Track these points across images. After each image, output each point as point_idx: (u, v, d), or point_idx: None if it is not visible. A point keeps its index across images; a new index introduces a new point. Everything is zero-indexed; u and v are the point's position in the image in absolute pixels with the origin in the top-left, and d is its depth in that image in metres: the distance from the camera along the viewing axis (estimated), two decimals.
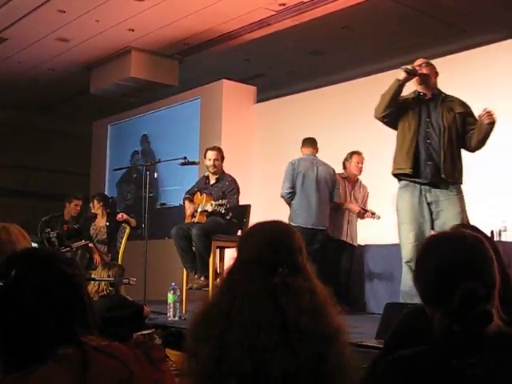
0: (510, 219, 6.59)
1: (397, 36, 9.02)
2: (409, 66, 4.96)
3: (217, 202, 6.42)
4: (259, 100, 10.41)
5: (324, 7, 8.14)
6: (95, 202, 7.84)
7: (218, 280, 6.70)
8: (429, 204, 4.82)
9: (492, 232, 5.79)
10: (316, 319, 1.59)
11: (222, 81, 10.09)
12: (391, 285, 6.42)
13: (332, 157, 7.40)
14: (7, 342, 1.57)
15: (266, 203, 8.18)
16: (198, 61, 10.27)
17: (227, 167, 7.05)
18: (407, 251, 4.74)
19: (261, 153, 9.97)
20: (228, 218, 6.55)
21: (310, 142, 7.33)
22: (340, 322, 1.66)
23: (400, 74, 4.98)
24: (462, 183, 4.93)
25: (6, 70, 10.79)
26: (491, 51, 7.63)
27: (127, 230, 7.65)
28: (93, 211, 7.90)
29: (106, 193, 11.34)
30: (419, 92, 5.10)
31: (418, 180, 4.88)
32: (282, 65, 10.39)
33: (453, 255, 1.67)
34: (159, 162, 7.02)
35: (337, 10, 8.17)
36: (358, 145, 8.01)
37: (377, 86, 8.44)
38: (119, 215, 7.73)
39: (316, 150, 7.30)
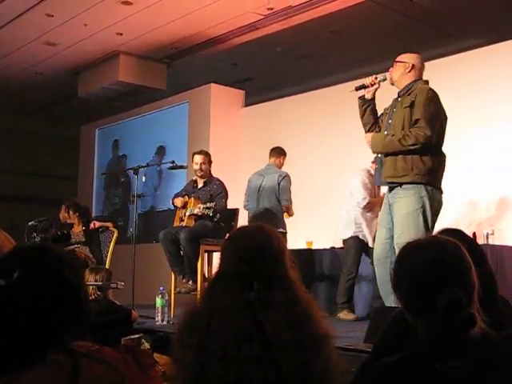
0: (497, 222, 6.62)
1: (384, 40, 9.04)
2: (360, 82, 4.94)
3: (205, 206, 6.42)
4: (247, 104, 10.42)
5: (312, 11, 8.16)
6: (71, 212, 7.70)
7: (205, 285, 6.71)
8: (390, 206, 4.70)
9: (474, 233, 5.78)
10: (297, 330, 1.58)
11: (210, 85, 10.09)
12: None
13: (320, 160, 7.43)
14: (5, 339, 1.57)
15: None
16: (186, 65, 10.27)
17: (215, 171, 7.05)
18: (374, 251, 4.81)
19: (249, 157, 9.98)
20: (216, 220, 6.56)
21: (273, 152, 7.52)
22: (326, 328, 1.66)
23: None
24: (420, 182, 4.51)
25: None
26: (478, 55, 7.68)
27: (115, 234, 7.62)
28: (69, 221, 7.77)
29: (93, 196, 11.31)
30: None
31: None
32: (270, 69, 10.40)
33: (430, 262, 1.68)
34: (147, 165, 7.01)
35: (325, 14, 8.20)
36: (346, 148, 8.04)
37: None
38: (91, 225, 7.64)
39: (279, 158, 7.45)
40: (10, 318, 1.56)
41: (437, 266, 1.67)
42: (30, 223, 7.67)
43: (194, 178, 7.03)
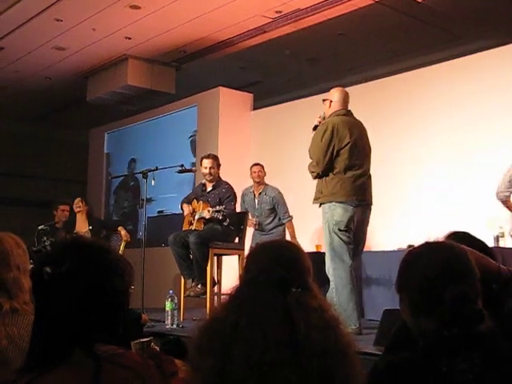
0: (506, 225, 6.59)
1: (393, 43, 9.05)
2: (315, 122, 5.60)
3: (214, 209, 6.42)
4: (256, 107, 10.42)
5: (320, 14, 8.17)
6: (80, 202, 7.76)
7: (215, 288, 6.70)
8: None
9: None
10: (326, 334, 1.60)
11: (218, 88, 10.09)
12: (389, 291, 6.41)
13: None
14: (36, 335, 1.57)
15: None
16: (194, 68, 10.29)
17: (224, 174, 7.05)
18: None
19: (257, 160, 9.95)
20: (225, 224, 6.56)
21: None
22: (350, 339, 1.67)
23: None
24: (328, 200, 5.29)
25: (2, 79, 10.80)
26: (486, 57, 7.65)
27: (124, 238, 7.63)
28: (75, 209, 7.78)
29: (102, 200, 11.32)
30: None
31: None
32: (278, 72, 10.41)
33: (438, 263, 1.73)
34: (156, 169, 7.00)
35: (333, 16, 8.20)
36: None
37: (373, 93, 8.53)
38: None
39: None
40: (46, 309, 1.56)
41: (445, 267, 1.71)
42: (39, 227, 7.70)
43: (203, 182, 7.03)
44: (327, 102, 5.51)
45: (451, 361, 1.57)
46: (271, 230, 7.82)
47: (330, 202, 5.29)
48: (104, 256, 1.66)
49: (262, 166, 7.97)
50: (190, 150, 10.39)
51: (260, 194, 7.90)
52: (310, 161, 5.44)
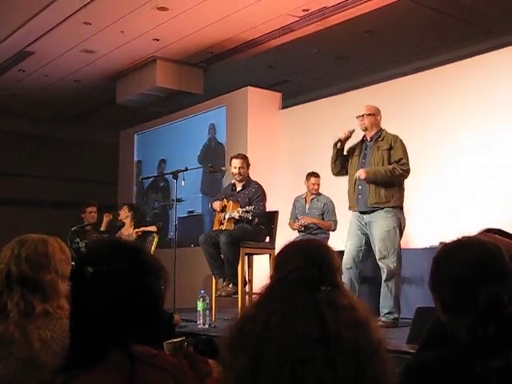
0: None
1: (421, 39, 8.98)
2: (340, 136, 6.02)
3: (244, 209, 6.43)
4: (284, 106, 10.41)
5: (347, 12, 8.13)
6: (125, 210, 7.93)
7: (247, 288, 6.71)
8: (366, 224, 5.86)
9: None
10: (357, 333, 1.60)
11: (247, 88, 10.10)
12: (421, 289, 6.37)
13: None
14: (74, 335, 1.60)
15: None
16: (222, 68, 10.32)
17: (254, 174, 7.05)
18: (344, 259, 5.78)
19: (287, 159, 9.96)
20: (255, 223, 6.56)
21: None
22: (381, 337, 1.66)
23: None
24: (395, 206, 5.77)
25: (32, 83, 10.93)
26: None
27: (155, 239, 7.70)
28: (119, 218, 7.95)
29: (133, 201, 11.41)
30: (363, 136, 6.05)
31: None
32: (306, 70, 10.39)
33: (471, 261, 1.68)
34: (186, 169, 7.03)
35: (360, 14, 8.16)
36: None
37: (402, 89, 8.47)
38: (134, 234, 7.75)
39: None
40: (84, 308, 1.58)
41: (476, 265, 1.66)
42: (72, 228, 7.79)
43: (233, 182, 7.04)
44: (377, 117, 5.98)
45: (486, 360, 1.55)
46: (316, 235, 7.79)
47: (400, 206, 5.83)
48: (141, 257, 1.68)
49: (320, 177, 7.95)
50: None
51: (312, 199, 7.91)
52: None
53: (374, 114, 5.96)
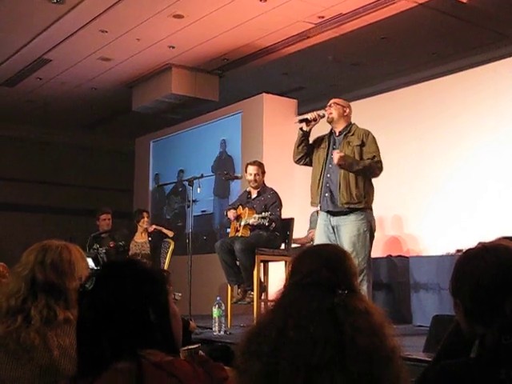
0: None
1: (437, 45, 8.95)
2: (302, 116, 5.65)
3: (260, 215, 6.43)
4: (300, 113, 10.40)
5: (362, 18, 8.13)
6: (146, 217, 8.09)
7: (263, 295, 6.71)
8: (333, 228, 5.46)
9: None
10: (372, 338, 1.59)
11: (262, 95, 10.11)
12: (438, 297, 6.34)
13: None
14: (80, 342, 1.61)
15: (308, 216, 8.16)
16: (238, 75, 10.33)
17: (269, 181, 7.05)
18: None
19: (303, 166, 9.95)
20: (271, 229, 6.55)
21: None
22: (396, 344, 1.65)
23: None
24: (366, 207, 5.39)
25: (49, 90, 11.00)
26: None
27: (171, 246, 7.72)
28: (145, 227, 8.07)
29: (149, 208, 11.49)
30: (331, 129, 5.70)
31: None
32: (321, 77, 10.39)
33: (495, 267, 1.65)
34: (202, 177, 7.05)
35: (375, 20, 8.15)
36: (400, 154, 7.95)
37: (419, 96, 8.45)
38: (150, 228, 7.86)
39: None
40: (88, 317, 1.60)
41: (502, 271, 1.64)
42: (92, 235, 7.87)
43: (248, 189, 7.04)
44: (346, 110, 5.66)
45: (510, 369, 1.53)
46: None
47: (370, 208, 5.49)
48: (140, 267, 1.72)
49: None
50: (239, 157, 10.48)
51: None
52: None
53: (343, 105, 5.65)
